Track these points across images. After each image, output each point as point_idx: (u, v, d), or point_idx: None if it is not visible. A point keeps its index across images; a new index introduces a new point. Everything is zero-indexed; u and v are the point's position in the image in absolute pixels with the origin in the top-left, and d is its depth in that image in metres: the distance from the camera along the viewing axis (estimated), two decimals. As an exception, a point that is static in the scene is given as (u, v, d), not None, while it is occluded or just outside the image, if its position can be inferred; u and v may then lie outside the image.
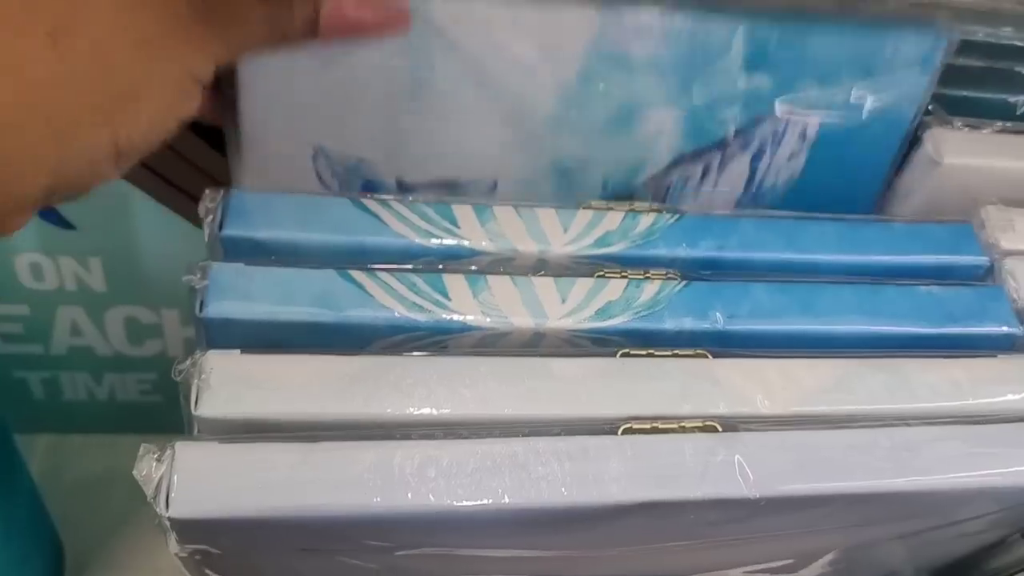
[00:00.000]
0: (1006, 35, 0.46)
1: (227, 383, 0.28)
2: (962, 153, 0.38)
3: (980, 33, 0.46)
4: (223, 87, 0.35)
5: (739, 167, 0.39)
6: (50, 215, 0.45)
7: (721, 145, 0.38)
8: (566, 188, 0.39)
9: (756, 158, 0.39)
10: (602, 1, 0.33)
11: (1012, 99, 0.46)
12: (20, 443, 0.51)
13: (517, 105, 0.35)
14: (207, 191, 0.32)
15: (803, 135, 0.38)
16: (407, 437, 0.28)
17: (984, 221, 0.37)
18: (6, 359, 0.52)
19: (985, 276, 0.36)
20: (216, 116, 0.37)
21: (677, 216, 0.34)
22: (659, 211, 0.34)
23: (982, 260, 0.35)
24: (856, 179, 0.40)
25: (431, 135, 0.36)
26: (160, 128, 0.26)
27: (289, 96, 0.35)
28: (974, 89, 0.45)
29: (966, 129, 0.38)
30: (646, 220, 0.34)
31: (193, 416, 0.28)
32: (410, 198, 0.33)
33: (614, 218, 0.34)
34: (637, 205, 0.34)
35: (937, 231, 0.36)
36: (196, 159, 0.46)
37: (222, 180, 0.46)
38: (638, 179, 0.39)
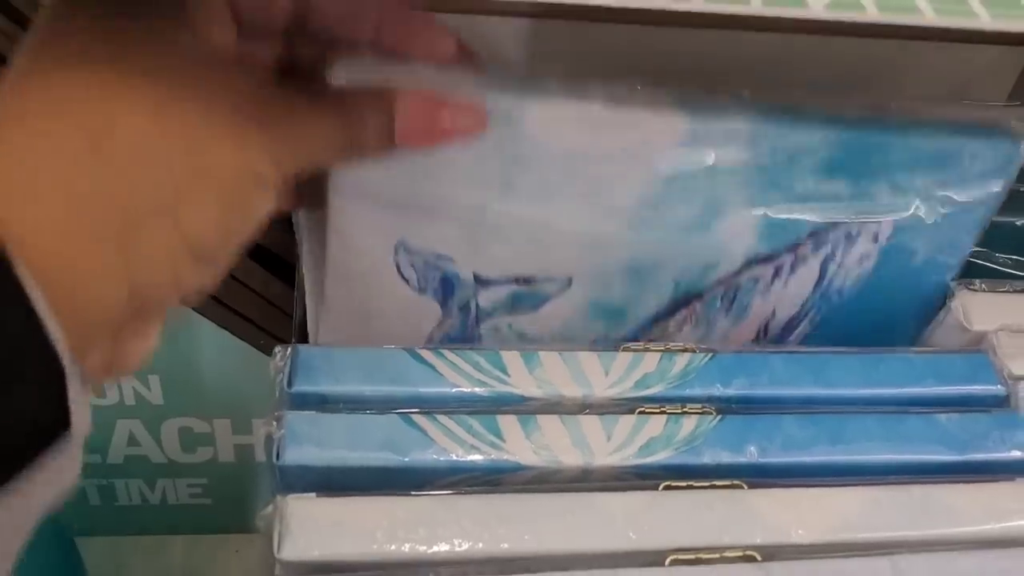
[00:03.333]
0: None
1: (306, 527, 0.31)
2: (990, 320, 0.40)
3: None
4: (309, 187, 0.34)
5: (810, 269, 0.40)
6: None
7: (794, 247, 0.39)
8: (638, 288, 0.39)
9: (827, 260, 0.40)
10: (689, 106, 0.34)
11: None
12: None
13: (600, 205, 0.36)
14: (276, 348, 0.35)
15: (875, 237, 0.39)
16: (471, 573, 0.30)
17: (995, 348, 0.39)
18: (66, 469, 0.54)
19: (1003, 403, 0.37)
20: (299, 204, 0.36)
21: (710, 355, 0.37)
22: (693, 351, 0.36)
23: (998, 389, 0.37)
24: (925, 279, 0.41)
25: (512, 232, 0.37)
26: (231, 225, 0.26)
27: (377, 189, 0.35)
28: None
29: (985, 289, 0.40)
30: (681, 361, 0.36)
31: (276, 559, 0.30)
32: (463, 347, 0.36)
33: (651, 360, 0.36)
34: (671, 346, 0.37)
35: (954, 361, 0.38)
36: (255, 285, 0.49)
37: (279, 304, 0.49)
38: (709, 279, 0.39)
